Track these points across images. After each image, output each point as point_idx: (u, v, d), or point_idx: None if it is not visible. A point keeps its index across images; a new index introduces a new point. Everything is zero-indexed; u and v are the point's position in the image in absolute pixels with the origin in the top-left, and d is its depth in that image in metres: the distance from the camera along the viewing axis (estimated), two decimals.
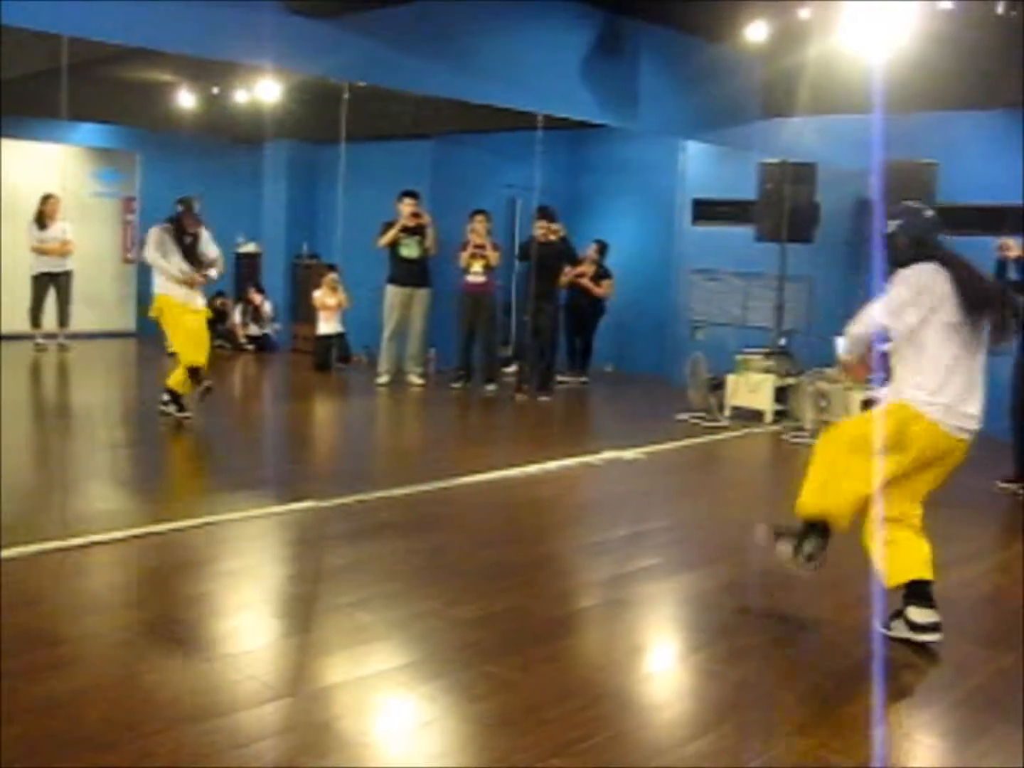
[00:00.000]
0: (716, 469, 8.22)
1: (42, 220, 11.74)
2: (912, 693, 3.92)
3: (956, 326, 4.23)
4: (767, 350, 9.85)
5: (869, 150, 8.24)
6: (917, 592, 4.28)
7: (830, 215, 9.69)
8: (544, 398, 10.34)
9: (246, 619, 4.42)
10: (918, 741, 3.58)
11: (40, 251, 11.75)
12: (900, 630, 4.29)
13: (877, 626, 4.25)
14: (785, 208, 9.45)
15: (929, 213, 4.49)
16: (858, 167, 8.96)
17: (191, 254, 8.07)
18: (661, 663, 4.30)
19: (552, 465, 7.35)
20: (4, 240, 12.16)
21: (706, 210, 11.20)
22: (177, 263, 8.00)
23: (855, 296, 9.55)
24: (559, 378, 10.96)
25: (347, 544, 5.39)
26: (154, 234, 8.08)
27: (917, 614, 4.26)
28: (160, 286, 8.14)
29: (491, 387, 10.65)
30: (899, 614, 4.31)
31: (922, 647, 4.23)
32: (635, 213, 12.40)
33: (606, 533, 5.96)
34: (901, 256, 4.37)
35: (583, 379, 11.35)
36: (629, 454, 7.82)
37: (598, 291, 11.11)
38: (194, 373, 8.08)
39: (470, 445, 8.65)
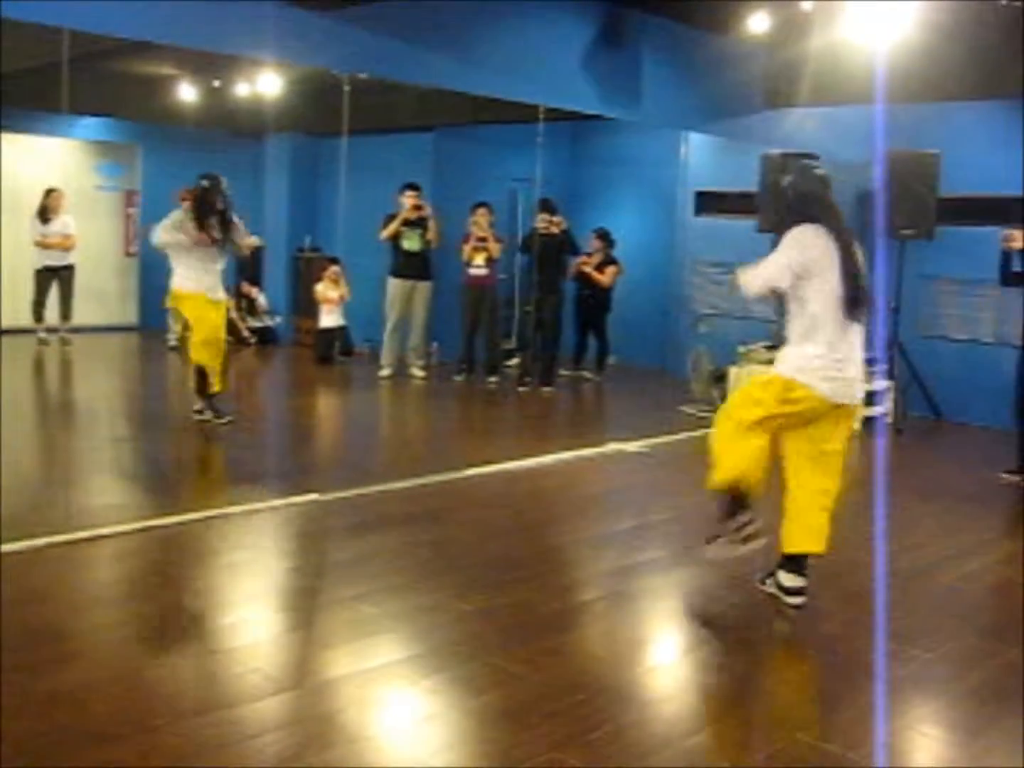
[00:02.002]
0: None
1: (45, 214, 11.73)
2: (918, 685, 3.91)
3: (832, 290, 4.36)
4: (770, 342, 9.83)
5: (872, 141, 8.24)
6: (794, 559, 4.53)
7: None
8: (547, 390, 10.34)
9: (250, 612, 4.42)
10: (923, 734, 3.58)
11: (43, 245, 11.73)
12: (771, 588, 4.62)
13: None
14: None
15: (818, 171, 4.61)
16: (861, 158, 8.95)
17: (224, 224, 7.54)
18: (664, 656, 4.30)
19: (556, 457, 7.35)
20: (7, 234, 12.17)
21: (708, 202, 11.17)
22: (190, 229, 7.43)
23: None
24: (561, 371, 10.94)
25: (351, 537, 5.39)
26: (172, 215, 7.55)
27: (788, 579, 4.54)
28: (177, 279, 7.61)
29: (494, 380, 10.65)
30: (773, 574, 4.61)
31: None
32: (637, 205, 12.37)
33: (610, 526, 5.96)
34: (789, 214, 4.53)
35: (586, 373, 11.30)
36: (633, 446, 7.82)
37: (600, 278, 11.07)
38: (201, 373, 7.67)
39: (473, 438, 8.65)
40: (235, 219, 7.67)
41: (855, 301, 4.39)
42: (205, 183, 7.54)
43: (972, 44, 7.65)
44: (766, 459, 4.52)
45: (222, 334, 7.73)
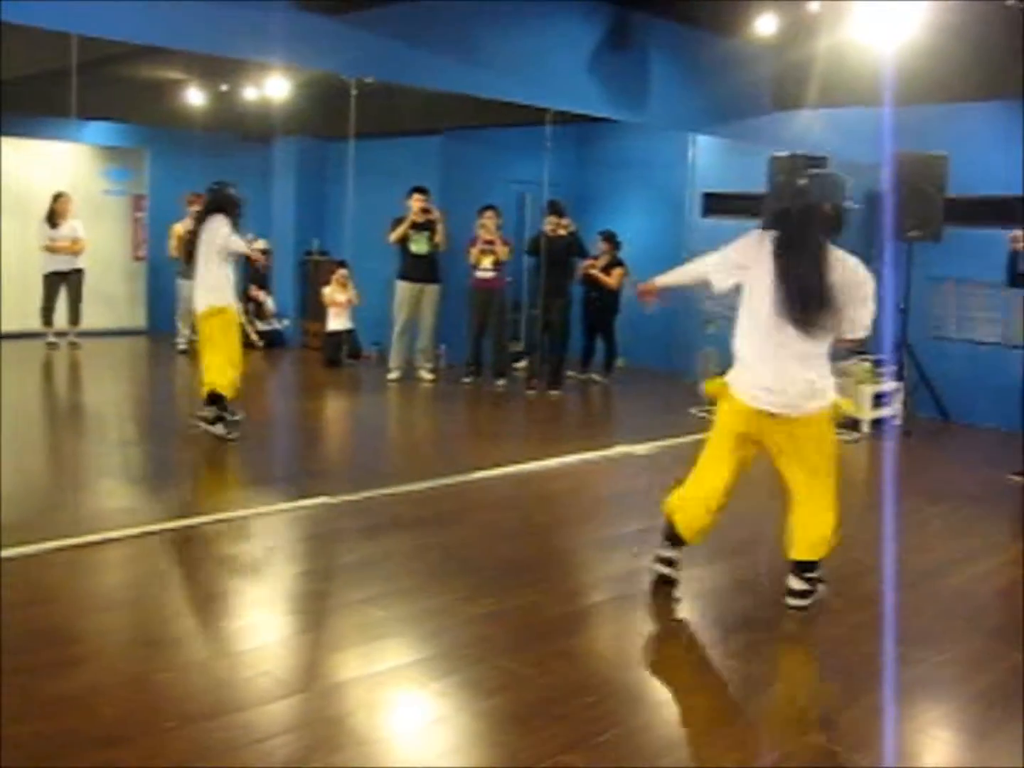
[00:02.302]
0: None
1: (53, 219, 11.77)
2: (926, 688, 3.91)
3: (771, 304, 4.35)
4: None
5: (880, 142, 8.22)
6: (801, 565, 4.60)
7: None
8: (555, 393, 10.34)
9: (259, 615, 4.43)
10: (932, 736, 3.57)
11: (51, 249, 11.78)
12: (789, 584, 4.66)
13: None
14: None
15: (801, 182, 4.61)
16: (869, 160, 8.94)
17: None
18: (673, 659, 4.29)
19: (564, 460, 7.35)
20: (16, 239, 12.22)
21: (716, 204, 11.16)
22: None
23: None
24: (569, 373, 10.94)
25: (360, 540, 5.40)
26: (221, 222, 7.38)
27: (795, 583, 4.61)
28: (211, 294, 7.42)
29: (502, 382, 10.65)
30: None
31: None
32: (644, 207, 12.36)
33: (619, 528, 5.96)
34: (764, 219, 4.53)
35: (594, 376, 11.29)
36: (641, 449, 7.82)
37: (607, 280, 11.07)
38: (215, 400, 7.44)
39: (482, 440, 8.65)
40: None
41: (797, 313, 4.31)
42: (231, 191, 7.48)
43: (980, 45, 7.63)
44: (720, 499, 4.63)
45: (239, 351, 7.57)
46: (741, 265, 4.48)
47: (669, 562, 4.76)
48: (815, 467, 4.54)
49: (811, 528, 4.57)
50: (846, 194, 4.63)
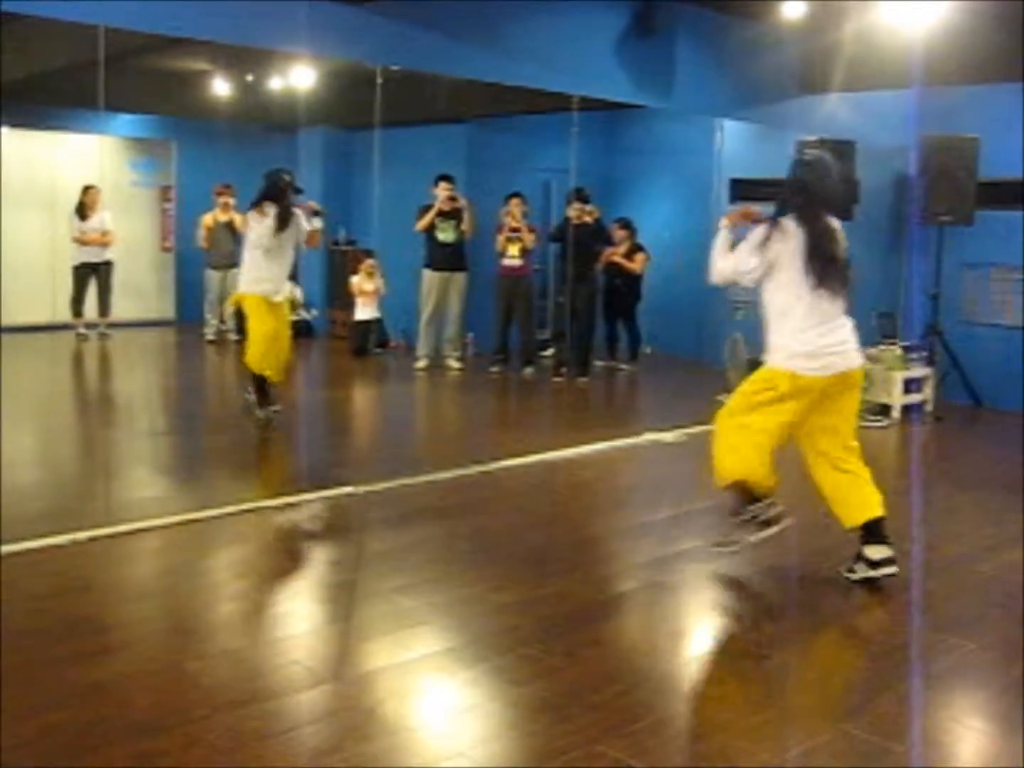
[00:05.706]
0: None
1: (83, 211, 11.86)
2: (960, 677, 3.88)
3: (803, 279, 4.52)
4: None
5: (909, 126, 8.14)
6: (871, 530, 4.62)
7: (869, 192, 9.57)
8: (582, 381, 10.32)
9: (289, 604, 4.45)
10: (966, 725, 3.54)
11: (81, 242, 11.87)
12: (862, 571, 4.65)
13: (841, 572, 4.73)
14: None
15: (807, 156, 4.86)
16: (898, 143, 8.86)
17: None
18: (704, 647, 4.28)
19: (592, 448, 7.34)
20: (45, 231, 12.32)
21: (744, 189, 11.07)
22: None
23: (895, 273, 9.48)
24: (596, 361, 10.92)
25: (389, 529, 5.41)
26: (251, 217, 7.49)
27: (873, 551, 4.61)
28: (244, 283, 7.44)
29: (529, 370, 10.65)
30: (859, 557, 4.67)
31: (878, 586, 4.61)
32: (672, 193, 12.31)
33: (648, 516, 5.94)
34: (785, 203, 4.71)
35: (620, 364, 11.26)
36: (669, 436, 7.79)
37: (632, 266, 11.03)
38: (260, 385, 7.47)
39: (510, 428, 8.64)
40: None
41: (824, 282, 4.54)
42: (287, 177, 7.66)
43: (1010, 25, 7.54)
44: (770, 458, 4.66)
45: (286, 341, 7.53)
46: (766, 249, 4.58)
47: (776, 517, 4.75)
48: (851, 423, 4.67)
49: (869, 485, 4.65)
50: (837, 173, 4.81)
